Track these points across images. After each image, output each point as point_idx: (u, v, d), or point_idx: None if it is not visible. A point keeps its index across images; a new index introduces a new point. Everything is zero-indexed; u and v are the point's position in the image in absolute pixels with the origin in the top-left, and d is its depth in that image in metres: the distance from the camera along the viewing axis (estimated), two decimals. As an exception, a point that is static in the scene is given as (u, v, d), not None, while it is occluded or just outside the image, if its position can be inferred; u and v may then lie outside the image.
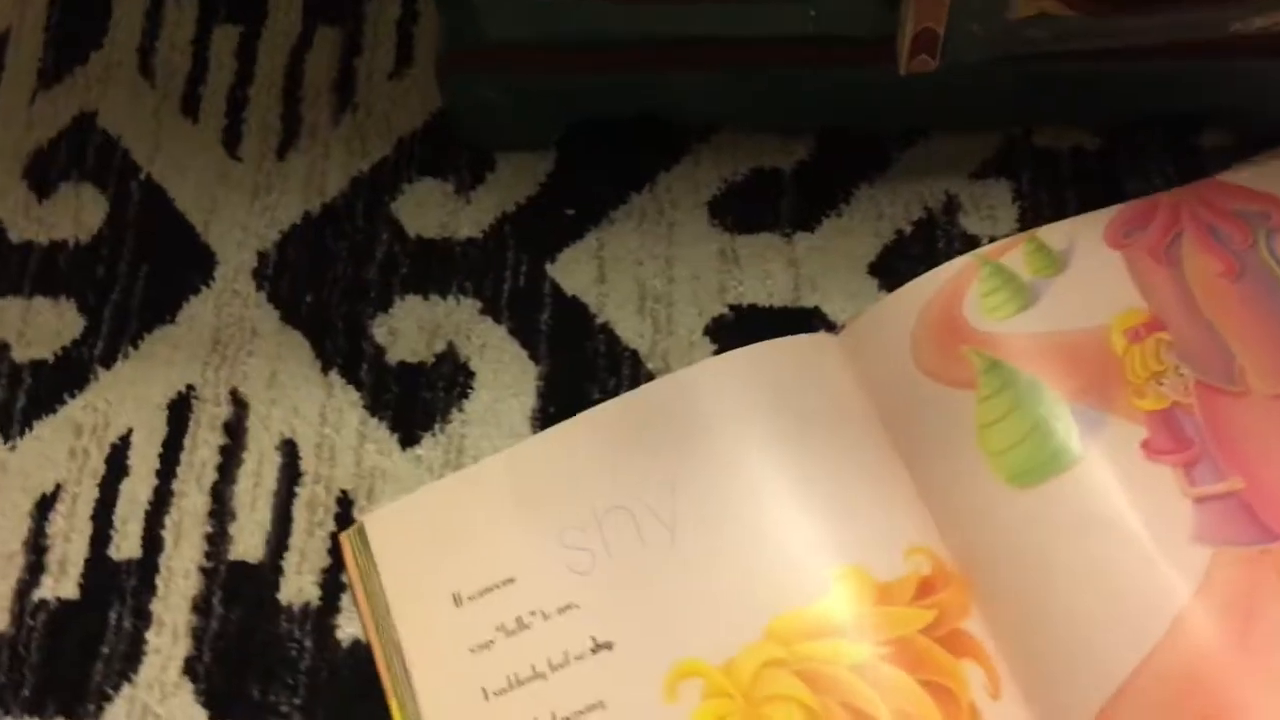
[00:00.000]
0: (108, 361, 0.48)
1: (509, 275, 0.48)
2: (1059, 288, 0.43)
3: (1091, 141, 0.48)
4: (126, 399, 0.47)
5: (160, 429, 0.46)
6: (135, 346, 0.48)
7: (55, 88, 0.52)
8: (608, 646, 0.40)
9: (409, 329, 0.47)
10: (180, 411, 0.46)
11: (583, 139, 0.49)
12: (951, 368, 0.41)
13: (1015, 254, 0.44)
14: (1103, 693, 0.37)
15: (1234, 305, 0.42)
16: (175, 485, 0.45)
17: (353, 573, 0.43)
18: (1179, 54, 0.42)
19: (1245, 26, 0.41)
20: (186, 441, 0.46)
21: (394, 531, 0.43)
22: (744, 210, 0.48)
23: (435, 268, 0.48)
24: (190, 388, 0.47)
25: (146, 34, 0.53)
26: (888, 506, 0.41)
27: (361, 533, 0.43)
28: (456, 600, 0.42)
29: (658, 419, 0.42)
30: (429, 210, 0.49)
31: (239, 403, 0.46)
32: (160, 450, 0.46)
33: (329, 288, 0.48)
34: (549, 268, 0.48)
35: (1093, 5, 0.39)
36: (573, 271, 0.48)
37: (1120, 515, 0.38)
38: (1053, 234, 0.44)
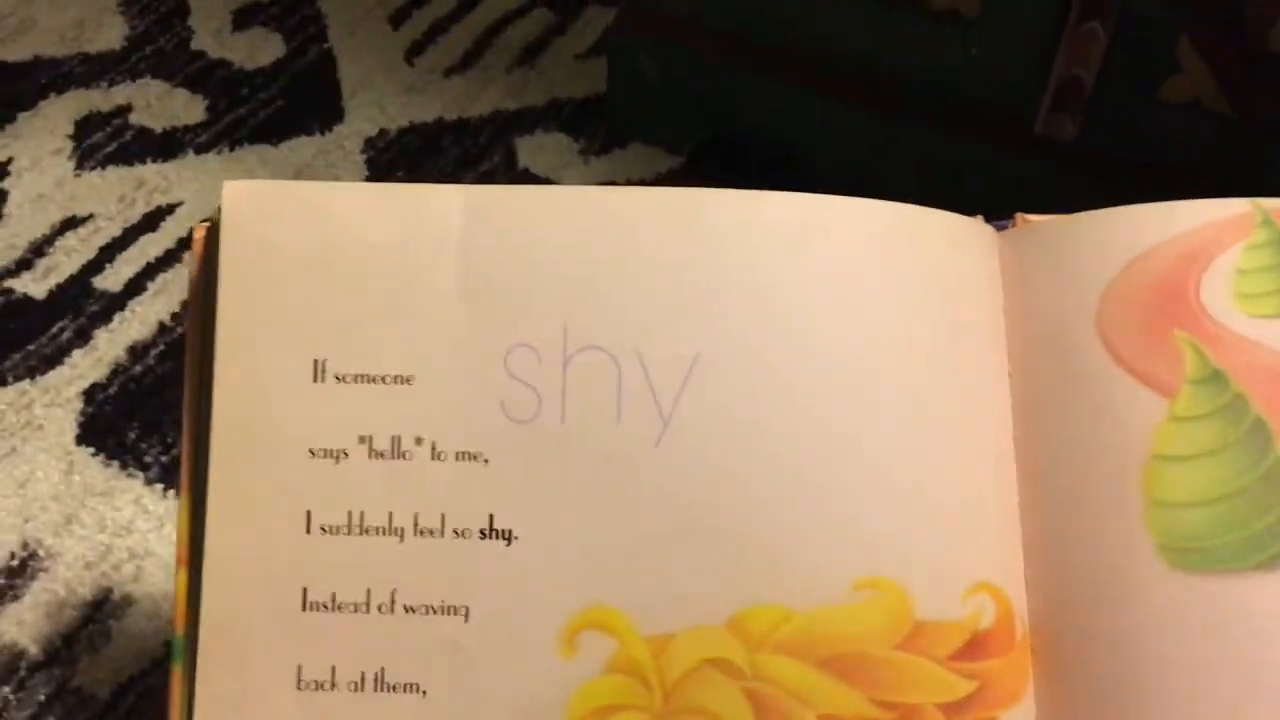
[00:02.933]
0: (201, 151, 0.49)
1: (586, 223, 0.47)
2: None
3: None
4: (197, 180, 0.48)
5: (209, 211, 0.46)
6: (231, 149, 0.49)
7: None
8: (505, 538, 0.27)
9: (471, 227, 0.46)
10: (233, 208, 0.47)
11: (717, 162, 0.49)
12: (1148, 354, 0.27)
13: None
14: None
15: None
16: (187, 256, 0.45)
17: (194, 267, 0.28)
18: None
19: None
20: (221, 228, 0.46)
21: (266, 222, 0.27)
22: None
23: (524, 193, 0.48)
24: (253, 192, 0.47)
25: (396, -41, 0.58)
26: (972, 503, 0.27)
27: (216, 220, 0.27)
28: (318, 371, 0.27)
29: (730, 243, 0.28)
30: (547, 154, 0.49)
31: (286, 218, 0.46)
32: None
33: (423, 173, 0.48)
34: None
35: (1252, 105, 0.36)
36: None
37: None
38: None
